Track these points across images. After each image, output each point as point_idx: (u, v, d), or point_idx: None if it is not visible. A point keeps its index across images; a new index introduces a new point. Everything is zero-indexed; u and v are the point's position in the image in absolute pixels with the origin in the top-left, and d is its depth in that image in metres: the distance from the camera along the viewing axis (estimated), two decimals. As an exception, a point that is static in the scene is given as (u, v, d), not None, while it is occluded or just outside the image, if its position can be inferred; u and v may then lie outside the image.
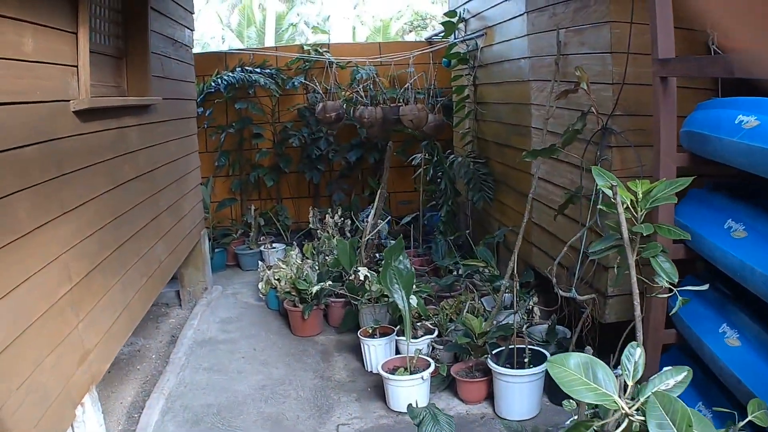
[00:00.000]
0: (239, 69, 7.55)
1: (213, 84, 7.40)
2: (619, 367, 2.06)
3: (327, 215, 7.12)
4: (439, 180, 6.72)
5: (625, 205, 2.55)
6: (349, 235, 7.13)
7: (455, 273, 5.59)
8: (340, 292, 5.35)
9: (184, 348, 5.04)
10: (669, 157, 3.04)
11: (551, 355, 4.02)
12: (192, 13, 6.01)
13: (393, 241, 7.30)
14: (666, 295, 2.83)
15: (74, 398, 2.94)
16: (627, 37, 3.42)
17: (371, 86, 7.42)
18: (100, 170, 3.52)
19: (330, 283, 5.30)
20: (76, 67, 3.16)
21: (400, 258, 4.47)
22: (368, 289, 5.14)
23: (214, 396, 4.34)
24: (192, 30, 5.96)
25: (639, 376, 2.01)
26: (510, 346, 3.99)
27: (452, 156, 6.63)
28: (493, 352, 4.06)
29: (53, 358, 2.74)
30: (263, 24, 12.95)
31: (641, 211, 2.65)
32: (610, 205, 2.66)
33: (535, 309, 4.59)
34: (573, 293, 3.80)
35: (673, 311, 2.72)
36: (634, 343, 2.06)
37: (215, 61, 7.75)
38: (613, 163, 3.58)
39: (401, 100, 7.07)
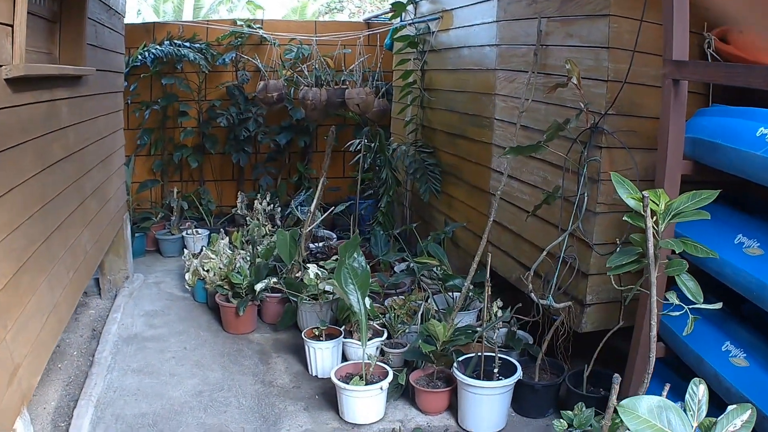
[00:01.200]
0: (167, 42, 6.95)
1: (139, 57, 6.77)
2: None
3: (256, 201, 6.69)
4: (378, 168, 6.39)
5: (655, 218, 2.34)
6: (279, 223, 6.73)
7: (405, 269, 5.28)
8: (277, 286, 4.95)
9: (109, 345, 4.54)
10: (676, 164, 2.85)
11: (518, 362, 3.81)
12: (126, -24, 5.43)
13: (326, 231, 7.01)
14: (677, 313, 2.64)
15: (6, 425, 2.46)
16: (626, 32, 3.19)
17: (316, 66, 6.98)
18: (29, 150, 3.00)
19: (274, 280, 4.89)
20: (12, 27, 2.64)
21: (355, 255, 4.10)
22: (309, 284, 4.78)
23: (147, 403, 3.90)
24: (125, -4, 5.40)
25: (704, 415, 1.78)
26: (478, 354, 3.74)
27: (394, 144, 6.31)
28: (459, 359, 3.80)
29: (-18, 380, 2.27)
30: (182, 1, 12.23)
31: (663, 224, 2.44)
32: (635, 217, 2.44)
33: (498, 313, 4.35)
34: (550, 301, 3.59)
35: (687, 330, 2.53)
36: (696, 379, 1.84)
37: (142, 32, 7.09)
38: (602, 164, 3.37)
39: (345, 83, 6.70)
